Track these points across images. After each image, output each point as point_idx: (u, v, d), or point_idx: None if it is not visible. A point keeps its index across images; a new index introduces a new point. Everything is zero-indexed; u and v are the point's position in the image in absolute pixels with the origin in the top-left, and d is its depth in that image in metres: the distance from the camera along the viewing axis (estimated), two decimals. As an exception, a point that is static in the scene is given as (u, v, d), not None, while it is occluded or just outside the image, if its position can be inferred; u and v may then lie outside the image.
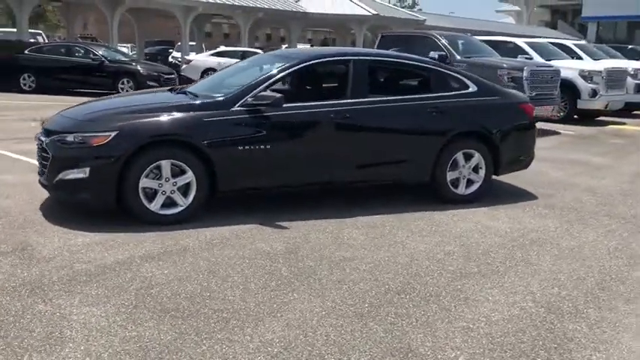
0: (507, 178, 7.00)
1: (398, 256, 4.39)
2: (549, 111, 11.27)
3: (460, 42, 12.81)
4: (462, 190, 5.88)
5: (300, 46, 26.91)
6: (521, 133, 6.20)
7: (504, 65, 11.20)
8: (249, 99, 5.03)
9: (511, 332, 3.25)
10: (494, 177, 6.98)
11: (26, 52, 16.88)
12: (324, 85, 6.40)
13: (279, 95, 5.01)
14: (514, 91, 6.45)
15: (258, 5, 25.62)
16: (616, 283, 4.02)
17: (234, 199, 5.45)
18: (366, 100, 5.45)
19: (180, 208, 4.89)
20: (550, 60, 13.42)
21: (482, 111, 5.90)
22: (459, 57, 11.76)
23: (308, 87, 6.37)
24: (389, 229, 5.02)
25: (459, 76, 5.98)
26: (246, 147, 4.99)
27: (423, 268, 4.17)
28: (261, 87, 5.12)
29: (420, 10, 62.46)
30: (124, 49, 28.29)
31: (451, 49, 11.92)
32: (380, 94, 5.62)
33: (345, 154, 5.38)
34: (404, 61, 6.01)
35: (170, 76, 17.18)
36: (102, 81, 16.41)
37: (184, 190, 4.89)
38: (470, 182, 5.92)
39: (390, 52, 7.59)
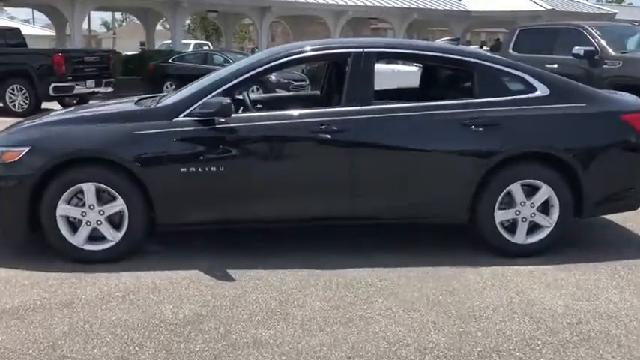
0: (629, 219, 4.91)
1: (341, 344, 2.89)
2: None
3: (623, 35, 10.28)
4: (520, 237, 4.06)
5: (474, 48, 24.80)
6: (624, 157, 4.14)
7: (670, 61, 8.55)
8: (197, 107, 3.86)
9: None
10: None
11: (170, 60, 17.51)
12: (313, 89, 4.96)
13: (226, 101, 3.75)
14: (617, 96, 4.38)
15: (413, 6, 24.02)
16: None
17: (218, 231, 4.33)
18: (367, 108, 3.93)
19: (109, 244, 3.89)
20: None
21: (553, 124, 4.02)
22: (612, 52, 9.31)
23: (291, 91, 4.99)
24: (371, 292, 3.49)
25: (521, 74, 4.13)
26: (192, 169, 3.82)
27: (356, 373, 2.64)
28: (215, 92, 3.91)
29: (630, 4, 55.03)
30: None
31: (604, 44, 9.48)
32: (390, 100, 4.06)
33: (334, 182, 3.94)
34: (431, 53, 4.30)
35: (301, 83, 16.60)
36: (233, 87, 16.40)
37: (118, 220, 3.90)
38: (536, 227, 4.08)
39: (412, 41, 5.85)
